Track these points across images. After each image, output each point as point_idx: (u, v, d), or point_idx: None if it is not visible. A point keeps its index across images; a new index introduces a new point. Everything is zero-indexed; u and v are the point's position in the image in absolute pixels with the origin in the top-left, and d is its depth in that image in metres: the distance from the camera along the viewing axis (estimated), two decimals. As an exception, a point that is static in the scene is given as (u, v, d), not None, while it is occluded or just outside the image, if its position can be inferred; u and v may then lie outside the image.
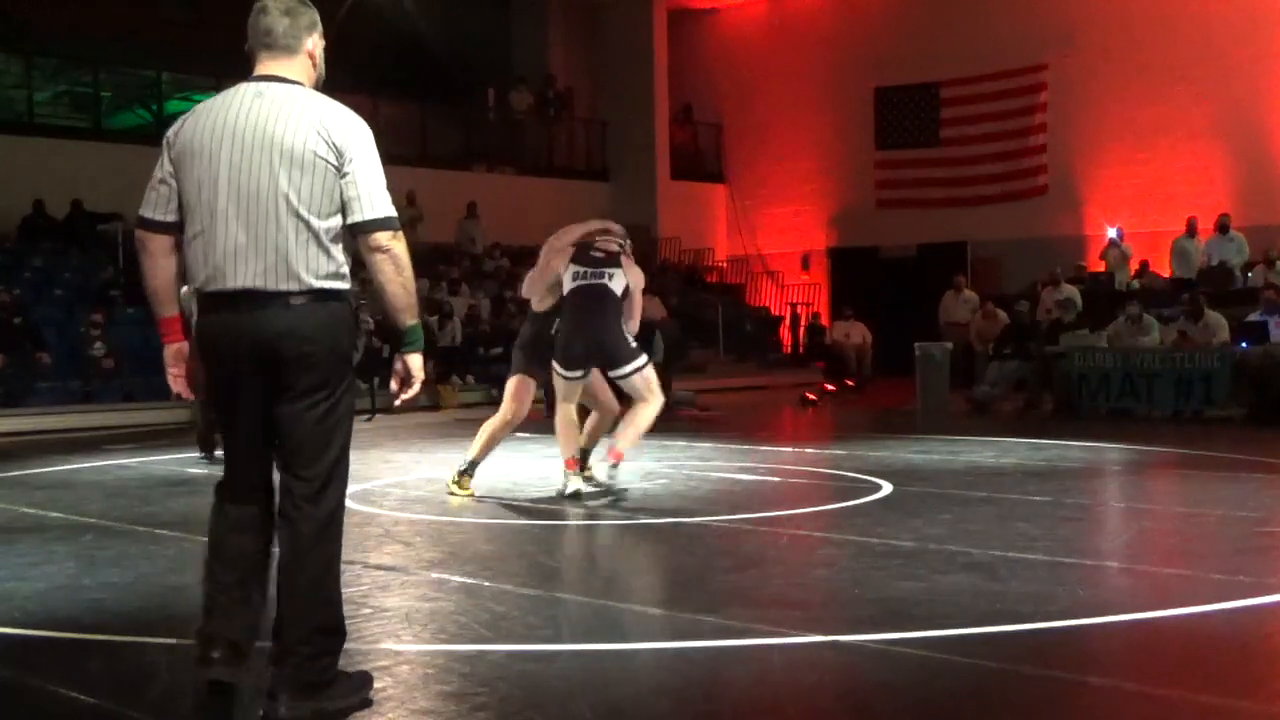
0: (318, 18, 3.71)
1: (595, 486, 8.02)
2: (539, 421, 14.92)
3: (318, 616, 3.61)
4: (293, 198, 3.49)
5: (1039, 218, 22.28)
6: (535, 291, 8.19)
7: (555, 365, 7.91)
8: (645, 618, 4.76)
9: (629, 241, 8.27)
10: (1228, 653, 4.36)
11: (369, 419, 15.12)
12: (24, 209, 17.92)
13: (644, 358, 7.83)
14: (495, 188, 23.64)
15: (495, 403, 18.92)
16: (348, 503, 7.93)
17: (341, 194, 3.53)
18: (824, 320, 23.50)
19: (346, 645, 4.40)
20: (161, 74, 21.25)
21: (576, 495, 7.81)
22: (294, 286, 3.52)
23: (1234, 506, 7.47)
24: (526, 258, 22.98)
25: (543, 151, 25.58)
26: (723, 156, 27.09)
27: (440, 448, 11.66)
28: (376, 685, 3.92)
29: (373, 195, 3.55)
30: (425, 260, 21.60)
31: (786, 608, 5.04)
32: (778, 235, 26.24)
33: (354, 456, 11.43)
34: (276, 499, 3.66)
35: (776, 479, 9.02)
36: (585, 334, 7.79)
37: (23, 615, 5.02)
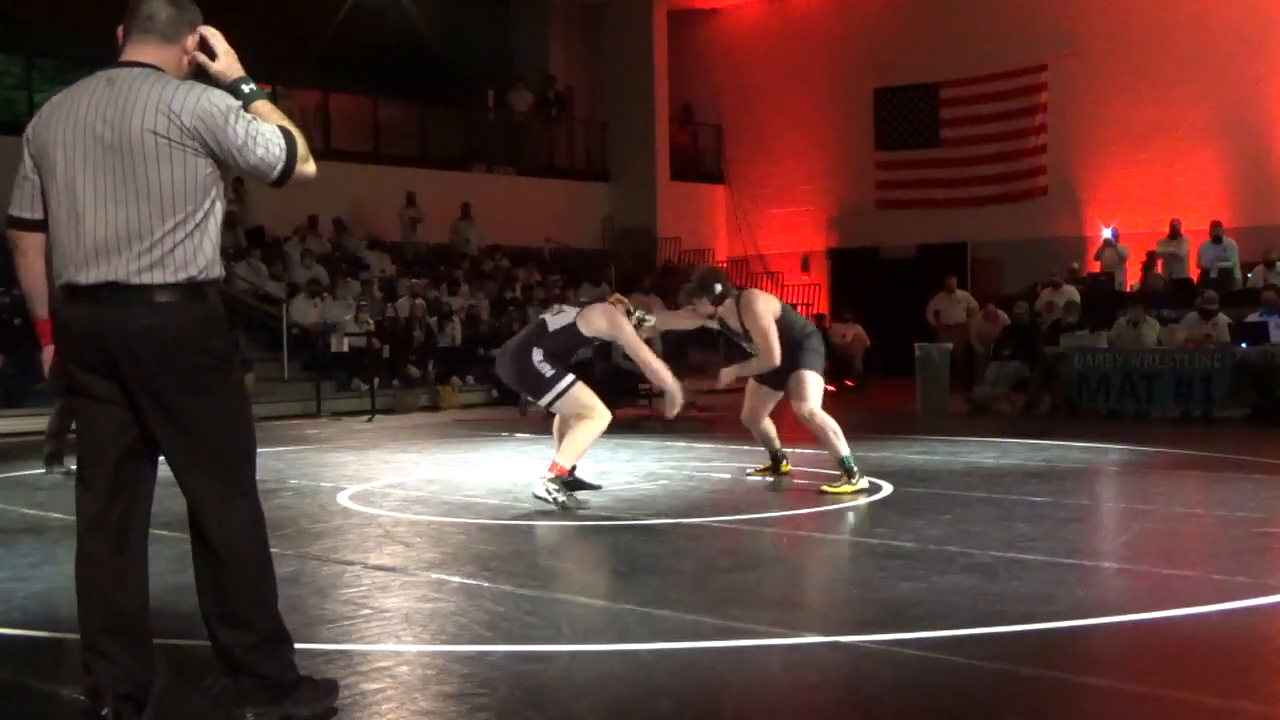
0: (201, 20, 3.60)
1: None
2: (539, 422, 14.93)
3: (253, 631, 3.50)
4: (143, 184, 3.34)
5: (1039, 219, 22.28)
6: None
7: None
8: (645, 618, 4.76)
9: (645, 315, 7.98)
10: (1228, 653, 4.36)
11: (369, 419, 15.12)
12: (24, 210, 17.93)
13: (563, 382, 7.45)
14: (495, 188, 23.64)
15: (496, 403, 19.02)
16: (348, 503, 7.99)
17: (238, 165, 3.39)
18: (826, 321, 23.50)
19: (347, 647, 4.42)
20: (161, 74, 21.22)
21: (555, 501, 7.47)
22: (158, 279, 3.35)
23: (1234, 506, 7.47)
24: (526, 259, 23.14)
25: (543, 152, 25.59)
26: (723, 157, 27.09)
27: (440, 448, 11.66)
28: (375, 686, 3.92)
29: (261, 153, 3.38)
30: (425, 261, 21.64)
31: (786, 608, 5.04)
32: (778, 236, 26.25)
33: (354, 457, 11.41)
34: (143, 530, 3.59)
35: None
36: (500, 364, 7.90)
37: (22, 615, 5.01)
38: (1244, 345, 13.74)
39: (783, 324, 8.08)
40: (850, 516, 7.35)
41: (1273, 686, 4.06)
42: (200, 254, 3.40)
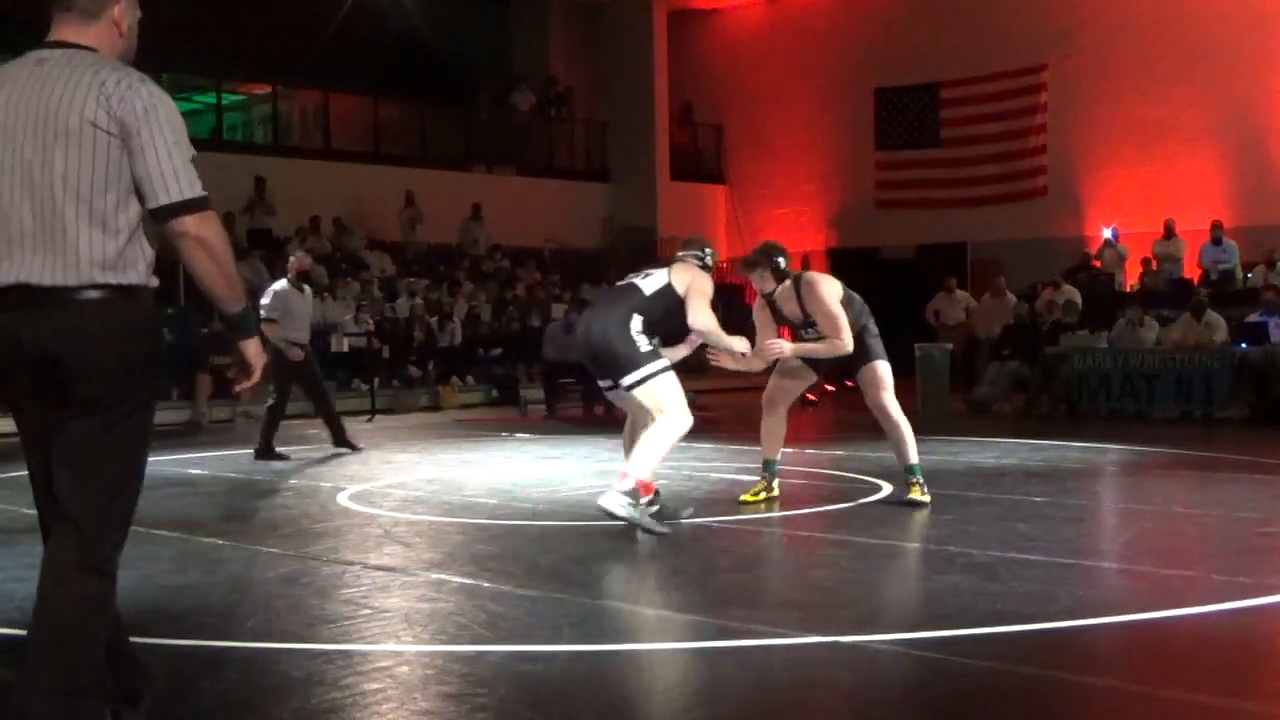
0: None
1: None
2: (539, 422, 14.94)
3: (58, 673, 3.01)
4: (70, 178, 3.03)
5: (1039, 218, 22.27)
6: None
7: None
8: (645, 618, 4.76)
9: (704, 252, 6.99)
10: (1228, 653, 4.36)
11: (369, 419, 15.12)
12: (24, 210, 17.92)
13: (658, 364, 6.47)
14: (495, 188, 23.64)
15: (496, 403, 18.98)
16: (348, 503, 7.98)
17: (131, 174, 3.05)
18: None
19: (347, 647, 4.41)
20: (161, 74, 21.27)
21: (633, 520, 6.35)
22: (73, 280, 3.02)
23: (1234, 507, 7.46)
24: (527, 259, 23.14)
25: (543, 152, 25.59)
26: (723, 157, 27.08)
27: (440, 448, 11.66)
28: (375, 686, 3.92)
29: (165, 174, 3.04)
30: (425, 260, 21.65)
31: (786, 608, 5.04)
32: (778, 236, 26.02)
33: (355, 457, 11.32)
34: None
35: (776, 479, 9.01)
36: (582, 333, 6.69)
37: (22, 615, 4.99)
38: (1244, 345, 13.73)
39: (844, 307, 7.48)
40: (850, 517, 7.34)
41: (1273, 686, 4.06)
42: (121, 254, 3.09)
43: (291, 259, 11.24)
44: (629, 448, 6.78)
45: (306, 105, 23.06)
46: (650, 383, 6.42)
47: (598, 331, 6.51)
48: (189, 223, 3.07)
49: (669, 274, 6.67)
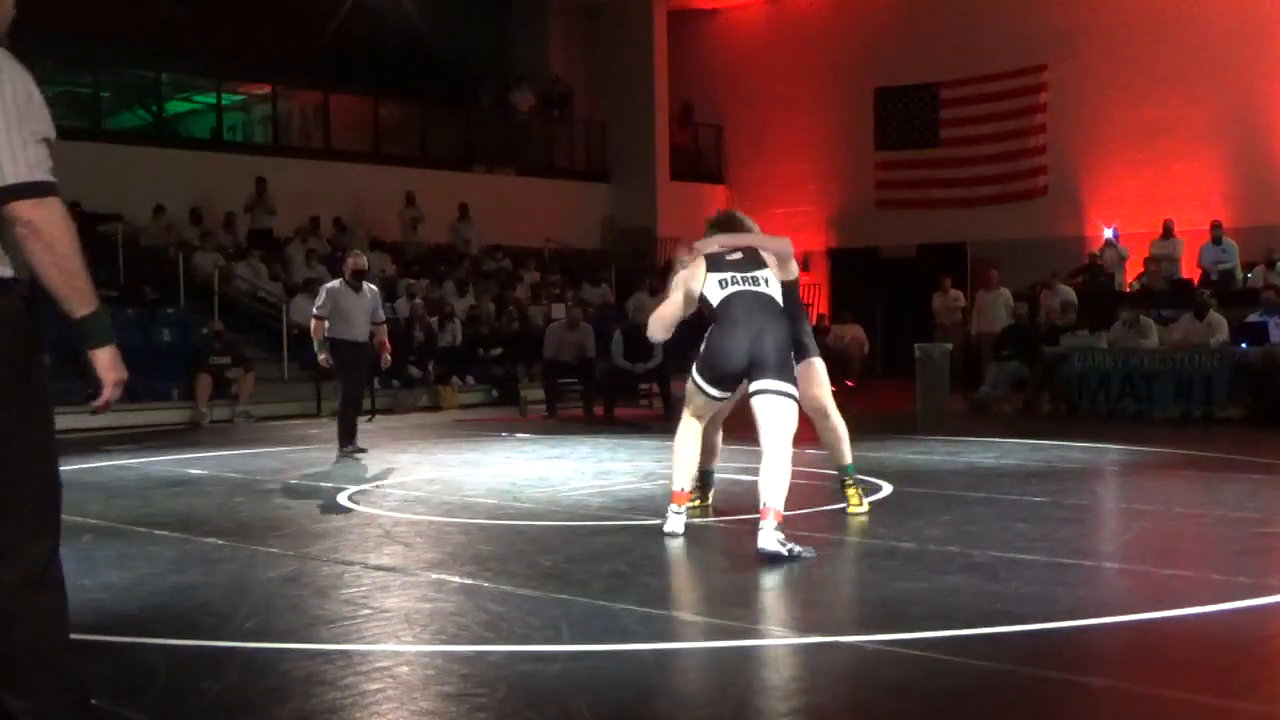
0: None
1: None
2: (539, 422, 14.95)
3: (61, 697, 2.91)
4: None
5: (1039, 218, 22.29)
6: (662, 328, 6.89)
7: (698, 380, 6.63)
8: (645, 618, 4.76)
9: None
10: (1228, 653, 4.36)
11: (369, 419, 15.12)
12: (24, 210, 17.90)
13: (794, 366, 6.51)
14: (495, 188, 23.65)
15: (496, 403, 18.94)
16: (347, 503, 7.98)
17: None
18: (827, 321, 23.51)
19: (347, 647, 4.41)
20: (161, 74, 21.29)
21: (672, 535, 6.48)
22: None
23: (1234, 507, 7.46)
24: (527, 259, 23.14)
25: (543, 152, 25.60)
26: (723, 157, 27.09)
27: (440, 448, 11.66)
28: (375, 686, 3.91)
29: (2, 156, 2.73)
30: (425, 260, 21.66)
31: (787, 608, 5.04)
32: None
33: (354, 457, 11.24)
34: None
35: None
36: (753, 344, 6.35)
37: None
38: (1244, 345, 13.74)
39: (788, 293, 6.97)
40: (850, 516, 7.34)
41: (1273, 686, 4.06)
42: None
43: (349, 258, 11.27)
44: (705, 449, 7.02)
45: (306, 105, 23.07)
46: (792, 401, 6.37)
47: (772, 344, 6.34)
48: (22, 209, 2.75)
49: (771, 271, 6.59)
